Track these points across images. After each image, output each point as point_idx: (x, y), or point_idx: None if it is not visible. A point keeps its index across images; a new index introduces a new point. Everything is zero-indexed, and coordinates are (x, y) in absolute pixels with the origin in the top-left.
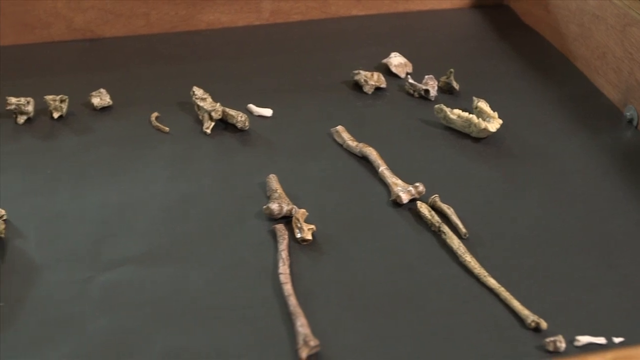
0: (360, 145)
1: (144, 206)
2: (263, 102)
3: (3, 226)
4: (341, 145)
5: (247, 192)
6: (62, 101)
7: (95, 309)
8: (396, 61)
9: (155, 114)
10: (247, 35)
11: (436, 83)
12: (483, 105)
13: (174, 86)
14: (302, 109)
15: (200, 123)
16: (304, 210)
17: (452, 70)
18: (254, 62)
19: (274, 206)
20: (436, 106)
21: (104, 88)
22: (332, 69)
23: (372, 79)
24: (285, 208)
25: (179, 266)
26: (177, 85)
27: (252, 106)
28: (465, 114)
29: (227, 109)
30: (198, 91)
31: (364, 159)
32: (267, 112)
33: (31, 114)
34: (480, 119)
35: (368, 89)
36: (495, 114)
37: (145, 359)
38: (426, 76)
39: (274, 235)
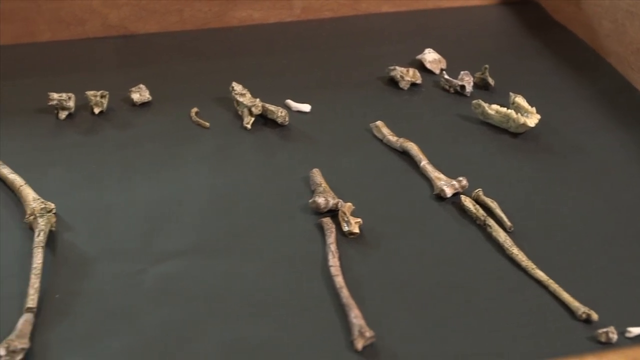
0: (401, 140)
1: (190, 200)
2: (299, 97)
3: (54, 219)
4: (381, 140)
5: (291, 187)
6: (102, 97)
7: (150, 301)
8: (430, 57)
9: (194, 110)
10: (279, 31)
11: (472, 79)
12: (520, 100)
13: (210, 82)
14: (339, 104)
15: (240, 118)
16: (350, 203)
17: (487, 66)
18: (288, 59)
19: (320, 200)
20: (474, 102)
21: (141, 84)
22: (366, 65)
23: (408, 75)
24: (331, 202)
25: (228, 259)
26: (213, 81)
27: (290, 102)
28: (504, 109)
29: (267, 105)
30: (237, 87)
31: (405, 154)
32: (306, 107)
33: (72, 110)
34: (518, 114)
35: (404, 85)
36: (534, 109)
37: (201, 351)
38: (462, 72)
39: (321, 228)
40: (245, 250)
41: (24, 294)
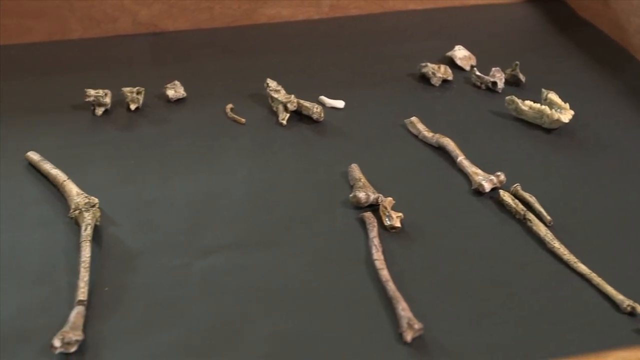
0: (437, 135)
1: (229, 195)
2: (331, 94)
3: (99, 214)
4: (416, 136)
5: (329, 181)
6: (138, 93)
7: (197, 294)
8: (460, 54)
9: (229, 106)
10: (307, 29)
11: (503, 75)
12: (553, 96)
13: (242, 79)
14: (372, 100)
15: (274, 114)
16: (390, 198)
17: (517, 62)
18: (318, 56)
19: (361, 194)
20: (507, 97)
21: (176, 80)
22: (396, 62)
23: (440, 72)
24: (372, 196)
25: (272, 252)
26: (245, 78)
27: (324, 98)
28: (537, 105)
29: (302, 101)
30: (272, 83)
31: (440, 150)
32: (340, 103)
33: (108, 106)
34: (553, 109)
35: (435, 81)
36: (567, 105)
37: (252, 342)
38: (493, 68)
39: (362, 223)
40: (288, 244)
41: (72, 287)
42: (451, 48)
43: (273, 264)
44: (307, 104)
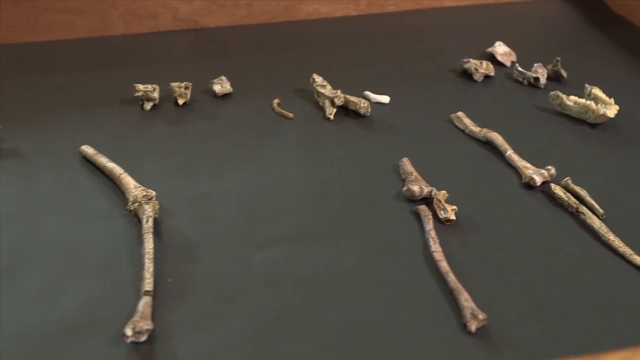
0: (484, 130)
1: (282, 188)
2: (374, 89)
3: (157, 206)
4: (463, 131)
5: (379, 175)
6: (186, 88)
7: (259, 286)
8: (501, 50)
9: (276, 100)
10: (346, 25)
11: (545, 71)
12: (597, 91)
13: (286, 74)
14: (415, 96)
15: (320, 109)
16: (444, 191)
17: (558, 58)
18: (359, 52)
19: (415, 188)
20: (552, 93)
21: (218, 76)
22: (436, 57)
23: (482, 67)
24: (425, 190)
25: (329, 245)
26: (289, 74)
27: (369, 93)
28: (582, 100)
29: (348, 96)
30: (318, 78)
31: (488, 144)
32: (385, 98)
33: (157, 101)
34: (598, 104)
35: (478, 77)
36: (612, 100)
37: (316, 333)
38: (535, 64)
39: (416, 215)
40: (345, 237)
41: (136, 278)
42: (489, 44)
43: (331, 255)
44: (353, 99)
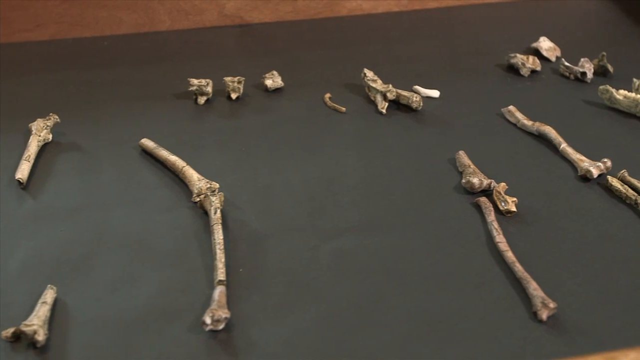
0: (537, 124)
1: (342, 181)
2: (421, 84)
3: (222, 198)
4: (515, 125)
5: (436, 168)
6: (239, 82)
7: (329, 275)
8: (546, 45)
9: (328, 95)
10: (388, 21)
11: (592, 65)
12: None
13: (334, 69)
14: (464, 90)
15: (371, 103)
16: (504, 183)
17: (604, 53)
18: (404, 47)
19: (475, 180)
20: (601, 87)
21: (270, 71)
22: (481, 52)
23: (529, 62)
24: (485, 182)
25: (394, 236)
26: (337, 68)
27: (419, 87)
28: (632, 95)
29: (400, 90)
30: (369, 73)
31: (541, 137)
32: (435, 93)
33: (210, 95)
34: None
35: (525, 72)
36: None
37: (387, 322)
38: (582, 59)
39: (477, 207)
40: (408, 228)
41: (206, 268)
42: (532, 40)
43: (397, 246)
44: (405, 93)
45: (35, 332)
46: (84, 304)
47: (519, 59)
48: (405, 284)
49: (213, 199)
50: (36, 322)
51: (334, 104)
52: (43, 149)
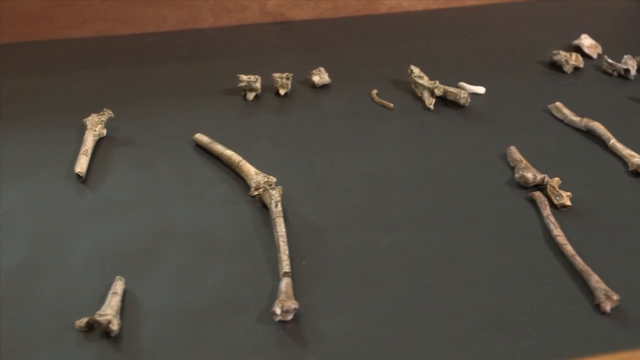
0: (585, 119)
1: (395, 175)
2: (465, 80)
3: (281, 192)
4: (562, 121)
5: (487, 163)
6: (287, 78)
7: (389, 268)
8: (587, 42)
9: (375, 91)
10: (427, 18)
11: (635, 62)
12: None
13: (378, 66)
14: (508, 86)
15: (417, 99)
16: (557, 178)
17: None
18: (446, 44)
19: (529, 175)
20: None
21: (309, 67)
22: (522, 50)
23: (572, 59)
24: (539, 177)
25: (450, 229)
26: (381, 65)
27: (464, 84)
28: None
29: (447, 87)
30: (415, 69)
31: (589, 133)
32: (480, 89)
33: (259, 91)
34: None
35: (568, 69)
36: None
37: (450, 314)
38: (625, 56)
39: (531, 201)
40: (464, 221)
41: (269, 260)
42: (573, 37)
43: (455, 239)
44: (452, 89)
45: (109, 322)
46: (152, 295)
47: (562, 55)
48: (465, 277)
49: (273, 192)
50: (110, 312)
51: (382, 100)
52: (98, 143)
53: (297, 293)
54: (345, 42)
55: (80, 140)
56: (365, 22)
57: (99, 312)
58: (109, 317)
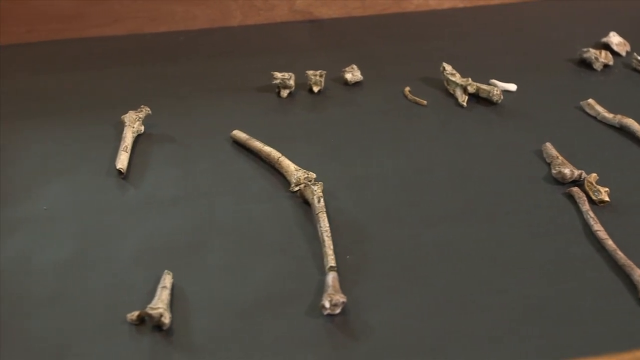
0: (618, 116)
1: (431, 171)
2: (495, 78)
3: (322, 187)
4: (594, 118)
5: (522, 159)
6: (320, 76)
7: (433, 262)
8: (616, 40)
9: (407, 88)
10: (454, 17)
11: None
12: None
13: (408, 63)
14: (538, 84)
15: (450, 97)
16: (595, 174)
17: None
18: (474, 42)
19: (567, 170)
20: None
21: (340, 65)
22: (551, 47)
23: (602, 57)
24: (576, 172)
25: (490, 224)
26: (411, 63)
27: (496, 81)
28: None
29: (479, 84)
30: (447, 67)
31: (622, 130)
32: (512, 86)
33: (293, 88)
34: None
35: (598, 66)
36: None
37: (492, 308)
38: None
39: (569, 197)
40: (503, 216)
41: (313, 255)
42: (601, 35)
43: (494, 234)
44: (485, 86)
45: (161, 315)
46: (200, 289)
47: (592, 53)
48: (507, 271)
49: (315, 188)
50: (161, 306)
51: (415, 97)
52: (136, 140)
53: (343, 287)
54: (374, 40)
55: (117, 137)
56: (392, 20)
57: (150, 305)
58: (160, 310)
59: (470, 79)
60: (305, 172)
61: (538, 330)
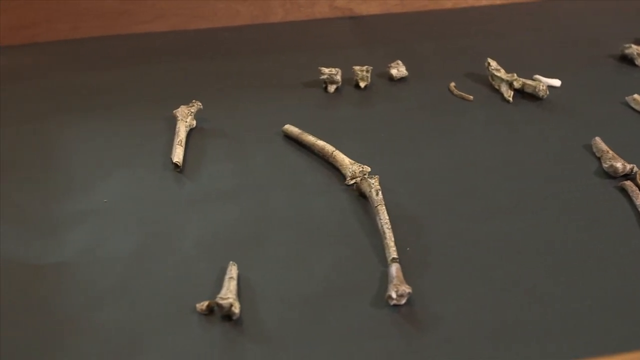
0: None
1: (482, 166)
2: (538, 73)
3: (378, 181)
4: None
5: (571, 154)
6: (367, 71)
7: (491, 255)
8: None
9: (453, 84)
10: (492, 14)
11: None
12: None
13: (452, 59)
14: (582, 79)
15: (495, 92)
16: None
17: None
18: (515, 38)
19: (618, 164)
20: None
21: (384, 61)
22: (591, 44)
23: None
24: (628, 166)
25: (544, 218)
26: (454, 59)
27: (540, 77)
28: None
29: (524, 79)
30: (493, 63)
31: None
32: (556, 82)
33: (339, 84)
34: None
35: None
36: None
37: (551, 302)
38: None
39: (621, 191)
40: (557, 210)
41: (374, 247)
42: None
43: (548, 227)
44: (530, 82)
45: (231, 305)
46: (265, 280)
47: (634, 49)
48: (565, 263)
49: (372, 181)
50: (230, 296)
51: (461, 93)
52: (189, 134)
53: (406, 278)
54: (414, 36)
55: (169, 132)
56: (431, 17)
57: (219, 295)
58: (230, 300)
59: (515, 75)
60: (360, 165)
61: (592, 323)
